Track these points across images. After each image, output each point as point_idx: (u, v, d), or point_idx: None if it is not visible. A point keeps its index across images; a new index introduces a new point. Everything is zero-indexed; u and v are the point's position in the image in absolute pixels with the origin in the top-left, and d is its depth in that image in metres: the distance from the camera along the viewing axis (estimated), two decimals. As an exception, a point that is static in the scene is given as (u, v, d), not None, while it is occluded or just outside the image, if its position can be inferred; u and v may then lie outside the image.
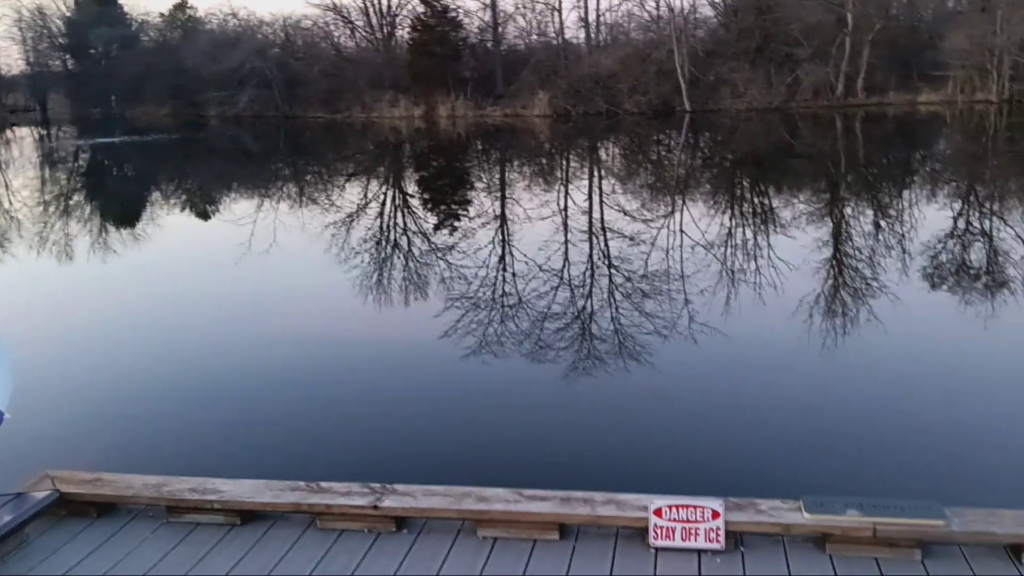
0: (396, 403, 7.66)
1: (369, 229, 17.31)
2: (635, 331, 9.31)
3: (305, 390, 8.12)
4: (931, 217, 15.88)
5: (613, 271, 12.44)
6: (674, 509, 4.02)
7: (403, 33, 51.95)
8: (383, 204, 21.09)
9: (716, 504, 4.02)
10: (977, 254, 12.98)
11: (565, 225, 16.84)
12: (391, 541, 4.27)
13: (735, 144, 32.05)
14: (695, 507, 4.01)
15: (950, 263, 12.47)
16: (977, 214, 16.68)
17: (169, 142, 43.40)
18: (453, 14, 48.51)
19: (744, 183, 22.84)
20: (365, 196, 22.64)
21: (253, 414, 7.55)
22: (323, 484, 4.50)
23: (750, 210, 18.48)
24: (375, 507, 4.29)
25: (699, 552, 4.04)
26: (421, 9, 48.63)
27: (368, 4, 52.36)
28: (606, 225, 16.68)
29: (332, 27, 54.47)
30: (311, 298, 12.05)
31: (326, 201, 21.93)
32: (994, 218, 16.05)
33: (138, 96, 57.10)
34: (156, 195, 27.01)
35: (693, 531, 4.01)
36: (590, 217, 18.07)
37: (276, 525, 4.48)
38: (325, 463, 6.07)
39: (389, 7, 52.56)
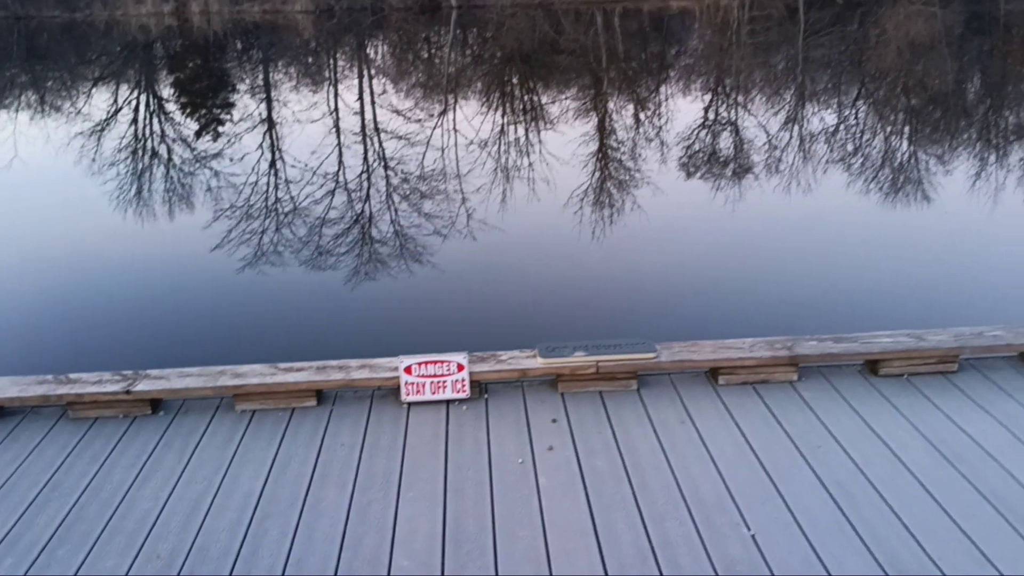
0: (161, 309, 7.53)
1: (123, 138, 16.18)
2: (416, 232, 9.52)
3: (58, 296, 7.80)
4: (685, 108, 17.11)
5: (390, 173, 12.50)
6: (423, 365, 4.36)
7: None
8: (136, 110, 19.68)
9: (461, 358, 4.40)
10: (725, 141, 14.22)
11: (337, 127, 16.56)
12: (147, 423, 4.33)
13: (502, 40, 32.41)
14: (442, 362, 4.37)
15: (701, 151, 13.58)
16: (724, 104, 18.13)
17: None
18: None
19: (514, 80, 23.30)
20: (115, 102, 20.99)
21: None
22: (72, 375, 4.45)
23: (521, 107, 18.96)
24: (128, 392, 4.31)
25: (447, 402, 4.44)
26: None
27: None
28: (380, 126, 16.58)
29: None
30: (63, 210, 11.27)
31: (71, 109, 20.15)
32: (739, 108, 17.55)
33: None
34: None
35: (441, 384, 4.38)
36: (363, 118, 17.86)
37: (26, 419, 4.40)
38: (77, 362, 5.95)
39: None
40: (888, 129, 14.80)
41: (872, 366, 4.66)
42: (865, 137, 14.16)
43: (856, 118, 15.93)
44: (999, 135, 14.01)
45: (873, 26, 32.37)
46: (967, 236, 8.90)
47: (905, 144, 13.59)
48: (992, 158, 12.28)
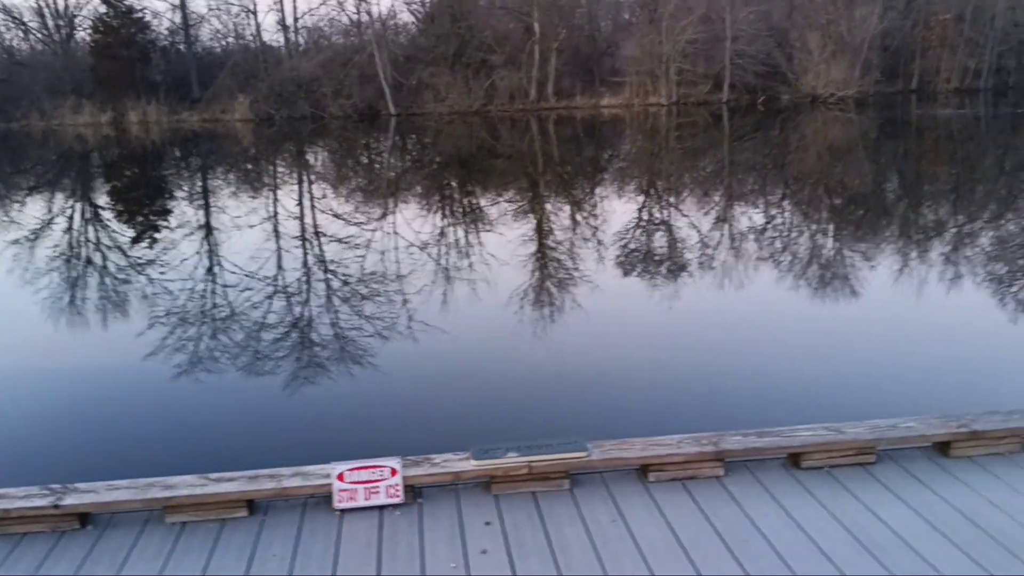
0: (91, 420, 7.39)
1: (57, 246, 16.00)
2: (356, 334, 9.55)
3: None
4: (620, 210, 17.69)
5: (330, 276, 12.56)
6: (356, 471, 4.38)
7: (84, 35, 48.19)
8: (71, 219, 19.56)
9: (394, 462, 4.43)
10: (657, 241, 14.69)
11: (276, 232, 16.67)
12: (75, 538, 4.24)
13: (441, 146, 33.26)
14: (375, 467, 4.40)
15: (636, 250, 13.99)
16: (657, 206, 18.79)
17: None
18: (139, 15, 45.73)
19: (452, 183, 23.80)
20: (50, 211, 20.84)
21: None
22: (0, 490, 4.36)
23: (460, 209, 19.33)
24: (56, 506, 4.23)
25: (381, 508, 4.44)
26: (103, 9, 45.32)
27: (43, 4, 47.90)
28: (319, 230, 16.73)
29: (2, 29, 49.18)
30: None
31: (4, 218, 19.92)
32: (671, 208, 18.20)
33: None
34: None
35: (374, 490, 4.39)
36: (302, 223, 18.01)
37: None
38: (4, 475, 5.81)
39: (66, 7, 48.43)
40: (810, 229, 15.50)
41: (794, 459, 4.82)
42: (789, 236, 14.79)
43: (779, 219, 16.65)
44: (914, 233, 14.77)
45: (794, 131, 34.12)
46: (883, 330, 9.31)
47: (825, 243, 14.23)
48: (907, 256, 12.93)
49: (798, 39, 44.96)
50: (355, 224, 16.96)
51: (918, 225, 15.48)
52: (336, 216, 18.09)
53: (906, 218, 16.24)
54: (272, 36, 51.73)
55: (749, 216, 16.60)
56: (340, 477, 4.37)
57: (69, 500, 4.29)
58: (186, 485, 4.37)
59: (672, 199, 19.57)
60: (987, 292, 10.72)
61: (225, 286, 12.06)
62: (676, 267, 12.53)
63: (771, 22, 46.83)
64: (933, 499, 4.43)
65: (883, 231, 15.10)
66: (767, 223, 15.86)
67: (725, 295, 10.90)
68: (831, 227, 15.68)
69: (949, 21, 46.72)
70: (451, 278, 12.12)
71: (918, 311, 9.99)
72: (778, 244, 14.07)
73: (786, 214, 17.23)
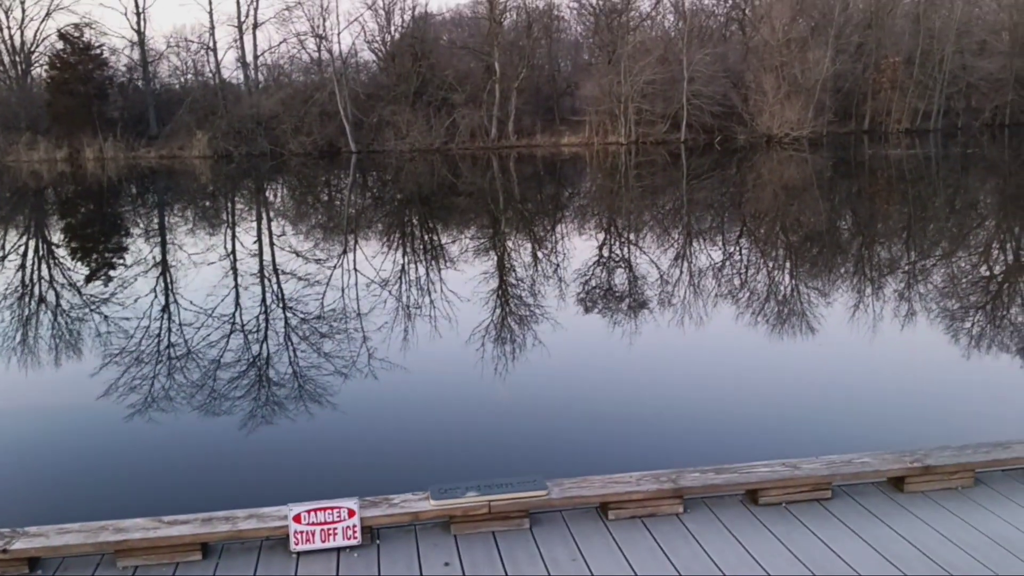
0: (41, 461, 7.19)
1: (8, 284, 15.68)
2: (315, 373, 9.44)
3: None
4: (581, 247, 17.83)
5: (289, 314, 12.44)
6: (312, 513, 4.31)
7: (41, 71, 47.80)
8: (24, 256, 19.19)
9: (352, 503, 4.37)
10: (617, 279, 14.81)
11: (234, 269, 16.51)
12: None
13: (402, 183, 33.31)
14: (332, 508, 4.33)
15: (597, 287, 14.10)
16: (617, 243, 18.97)
17: None
18: (97, 51, 45.49)
19: (414, 220, 23.82)
20: (2, 247, 20.44)
21: None
22: None
23: (421, 247, 19.32)
24: (4, 551, 4.10)
25: (338, 550, 4.37)
26: (60, 46, 45.02)
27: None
28: (279, 267, 16.60)
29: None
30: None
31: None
32: (630, 246, 18.38)
33: None
34: None
35: (331, 531, 4.33)
36: (261, 260, 17.86)
37: None
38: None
39: (23, 43, 48.03)
40: (766, 266, 15.75)
41: (752, 496, 4.84)
42: (746, 273, 15.00)
43: (736, 256, 16.89)
44: (868, 271, 15.07)
45: (750, 170, 34.75)
46: (838, 365, 9.47)
47: (782, 280, 14.46)
48: (861, 293, 13.17)
49: (753, 81, 46.11)
50: (314, 261, 16.87)
51: (872, 262, 15.80)
52: (295, 253, 17.98)
53: (860, 255, 16.58)
54: (232, 73, 51.87)
55: (707, 253, 16.83)
56: (297, 519, 4.30)
57: (18, 544, 4.17)
58: (138, 528, 4.27)
59: (632, 237, 19.78)
60: (939, 328, 10.95)
61: (181, 324, 11.88)
62: (635, 304, 12.62)
63: (727, 64, 47.99)
64: (888, 534, 4.48)
65: (838, 268, 15.39)
66: (725, 260, 16.08)
67: (683, 332, 11.01)
68: (787, 264, 15.95)
69: (899, 64, 48.18)
70: (411, 316, 12.08)
71: (872, 347, 10.16)
72: (736, 281, 14.27)
73: (743, 251, 17.50)
